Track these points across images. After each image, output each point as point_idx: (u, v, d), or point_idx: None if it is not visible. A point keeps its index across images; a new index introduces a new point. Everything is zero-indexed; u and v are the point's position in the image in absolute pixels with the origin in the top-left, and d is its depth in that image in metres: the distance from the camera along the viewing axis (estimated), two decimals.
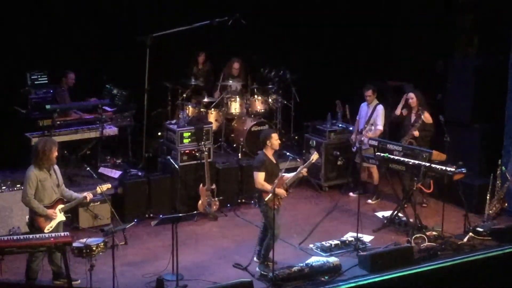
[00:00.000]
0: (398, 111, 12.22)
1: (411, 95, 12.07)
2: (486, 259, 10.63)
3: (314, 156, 10.55)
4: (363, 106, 12.64)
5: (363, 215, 11.42)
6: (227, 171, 12.56)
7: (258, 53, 14.71)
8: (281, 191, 9.92)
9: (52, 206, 9.51)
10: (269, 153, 10.06)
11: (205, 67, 14.46)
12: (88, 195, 9.74)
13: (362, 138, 12.29)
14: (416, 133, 11.75)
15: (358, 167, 12.63)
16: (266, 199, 9.90)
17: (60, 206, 9.57)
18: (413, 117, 11.97)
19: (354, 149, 12.63)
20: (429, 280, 10.24)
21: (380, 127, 12.36)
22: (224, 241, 11.23)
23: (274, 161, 10.11)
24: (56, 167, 9.64)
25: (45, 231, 9.38)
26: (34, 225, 9.50)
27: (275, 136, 10.07)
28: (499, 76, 12.64)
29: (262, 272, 10.04)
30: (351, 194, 12.95)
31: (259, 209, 10.15)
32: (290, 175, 10.14)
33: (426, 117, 11.80)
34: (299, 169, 10.15)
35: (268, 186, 9.88)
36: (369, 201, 12.68)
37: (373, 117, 12.39)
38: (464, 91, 13.25)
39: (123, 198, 11.80)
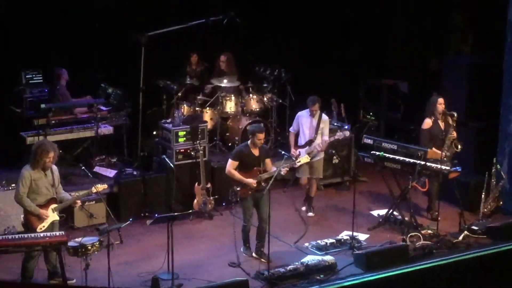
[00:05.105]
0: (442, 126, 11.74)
1: (441, 100, 11.69)
2: (481, 257, 10.63)
3: (303, 159, 10.62)
4: (304, 117, 11.90)
5: (359, 213, 11.44)
6: (223, 170, 12.46)
7: (253, 52, 14.72)
8: (249, 181, 10.38)
9: (45, 205, 9.53)
10: (252, 145, 10.48)
11: (199, 67, 14.45)
12: (77, 202, 9.93)
13: (316, 149, 11.79)
14: (455, 134, 11.60)
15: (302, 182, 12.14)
16: (234, 187, 10.50)
17: (53, 205, 9.58)
18: (441, 123, 11.73)
19: (298, 164, 11.35)
20: (425, 278, 10.25)
21: (327, 137, 11.87)
22: (219, 240, 11.22)
23: (256, 154, 10.51)
24: (54, 167, 9.68)
25: (38, 230, 9.40)
26: (28, 225, 9.52)
27: (259, 136, 10.42)
28: (494, 74, 12.64)
29: (244, 254, 10.53)
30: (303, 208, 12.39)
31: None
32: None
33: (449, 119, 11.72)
34: (278, 168, 10.46)
35: (237, 175, 10.45)
36: (310, 214, 12.20)
37: (320, 127, 11.87)
38: (458, 89, 13.27)
39: (118, 197, 11.80)
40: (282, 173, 10.52)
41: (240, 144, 10.76)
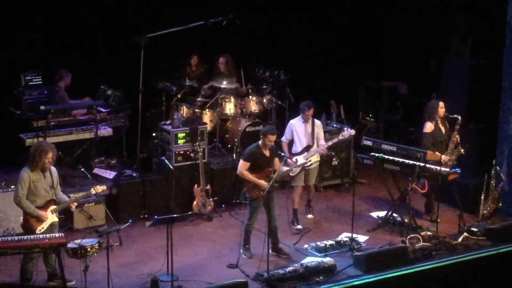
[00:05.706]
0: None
1: (442, 104, 11.63)
2: (480, 259, 10.64)
3: (313, 158, 10.58)
4: (298, 124, 11.73)
5: (358, 215, 11.44)
6: (222, 171, 12.56)
7: (253, 54, 14.72)
8: (261, 182, 10.39)
9: (44, 207, 9.52)
10: (263, 146, 10.52)
11: (199, 69, 14.46)
12: (74, 205, 9.92)
13: (319, 152, 11.61)
14: (458, 137, 11.56)
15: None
16: (245, 188, 10.54)
17: (53, 207, 9.57)
18: (442, 127, 11.66)
19: (297, 173, 11.55)
20: (424, 280, 10.25)
21: (323, 141, 11.74)
22: (219, 242, 11.22)
23: (267, 154, 10.56)
24: (53, 169, 9.67)
25: (37, 232, 9.39)
26: (27, 226, 9.51)
27: (271, 137, 10.47)
28: (493, 76, 12.65)
29: (243, 256, 10.51)
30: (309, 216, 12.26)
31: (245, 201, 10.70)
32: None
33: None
34: (289, 168, 10.67)
35: (249, 176, 10.45)
36: (310, 215, 12.16)
37: (316, 132, 11.75)
38: (458, 91, 13.28)
39: (117, 199, 11.79)
40: (293, 173, 10.96)
41: (251, 145, 10.69)
